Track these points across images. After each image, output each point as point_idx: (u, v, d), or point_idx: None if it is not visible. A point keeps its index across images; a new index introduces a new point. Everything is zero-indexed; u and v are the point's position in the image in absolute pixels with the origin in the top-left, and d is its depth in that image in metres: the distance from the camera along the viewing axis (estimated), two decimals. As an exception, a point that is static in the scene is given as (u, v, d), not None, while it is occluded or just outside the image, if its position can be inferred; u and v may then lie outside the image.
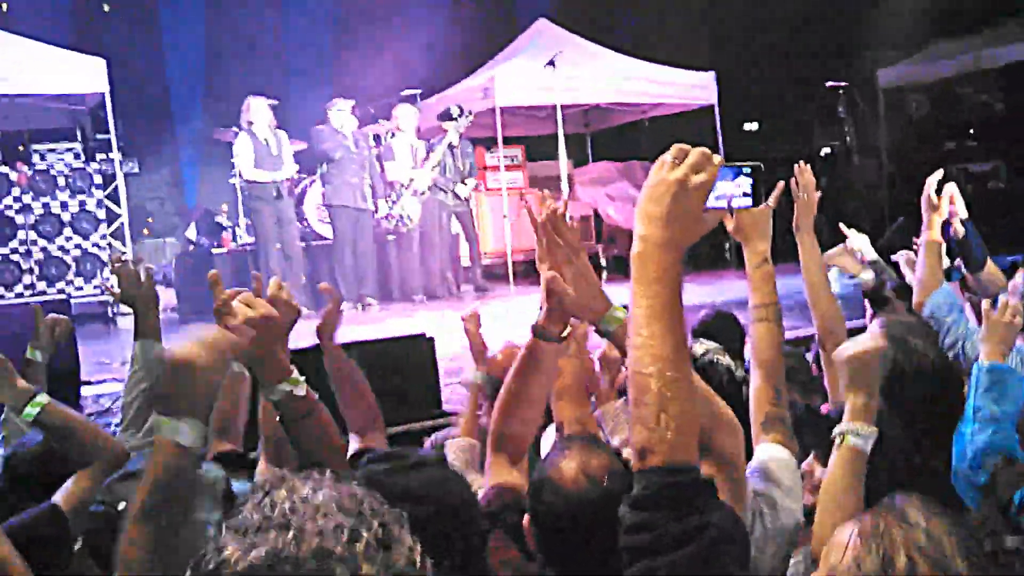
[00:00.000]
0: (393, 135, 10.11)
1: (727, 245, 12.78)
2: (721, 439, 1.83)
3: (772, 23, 13.94)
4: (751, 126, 15.30)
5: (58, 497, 2.37)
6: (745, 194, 1.59)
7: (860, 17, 13.08)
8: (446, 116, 9.94)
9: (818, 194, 3.15)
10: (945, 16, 11.62)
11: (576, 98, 11.10)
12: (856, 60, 12.79)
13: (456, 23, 14.19)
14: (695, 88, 11.92)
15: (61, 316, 3.38)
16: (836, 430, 2.06)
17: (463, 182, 10.05)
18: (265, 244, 9.19)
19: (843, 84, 9.39)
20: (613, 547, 1.39)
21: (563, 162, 9.19)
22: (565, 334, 2.10)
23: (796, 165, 3.13)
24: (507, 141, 11.09)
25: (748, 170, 1.59)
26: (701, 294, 7.34)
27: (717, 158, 1.48)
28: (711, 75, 11.95)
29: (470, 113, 9.97)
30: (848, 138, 9.25)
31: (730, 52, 13.88)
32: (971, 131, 12.47)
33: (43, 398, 2.52)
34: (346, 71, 13.27)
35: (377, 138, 10.78)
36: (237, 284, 8.43)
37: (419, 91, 11.22)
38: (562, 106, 10.34)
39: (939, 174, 3.45)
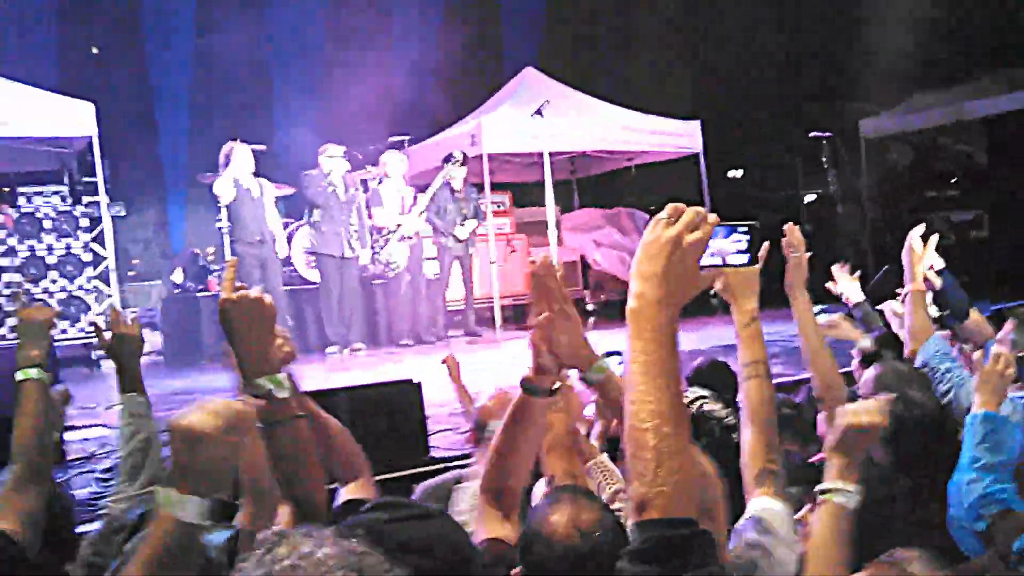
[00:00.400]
0: (381, 181, 10.14)
1: (712, 292, 12.85)
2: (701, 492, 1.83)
3: (755, 73, 14.17)
4: (735, 173, 15.47)
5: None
6: (741, 251, 1.60)
7: (842, 68, 13.30)
8: (448, 159, 9.96)
9: (808, 254, 3.17)
10: (926, 69, 11.82)
11: (563, 146, 11.18)
12: (839, 110, 12.98)
13: (443, 70, 14.35)
14: (680, 136, 12.05)
15: (62, 389, 3.29)
16: (819, 488, 2.08)
17: (462, 224, 10.05)
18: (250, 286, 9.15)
19: (826, 134, 9.51)
20: None
21: (550, 208, 9.22)
22: (555, 387, 2.10)
23: (785, 225, 3.16)
24: (494, 187, 11.14)
25: (744, 228, 1.60)
26: (687, 341, 7.33)
27: (713, 217, 1.51)
28: (696, 124, 12.10)
29: (465, 159, 10.01)
30: (832, 186, 9.35)
31: (714, 100, 14.08)
32: (953, 180, 12.63)
33: None
34: (333, 116, 13.35)
35: (364, 183, 10.83)
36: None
37: (407, 137, 11.30)
38: (549, 153, 10.43)
39: (922, 227, 3.50)
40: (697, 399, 3.17)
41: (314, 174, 9.50)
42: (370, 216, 9.83)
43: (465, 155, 10.06)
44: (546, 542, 1.79)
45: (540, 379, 2.07)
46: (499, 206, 12.20)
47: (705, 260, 1.51)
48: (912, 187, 12.88)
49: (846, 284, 4.57)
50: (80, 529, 2.92)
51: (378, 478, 4.02)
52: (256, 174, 9.44)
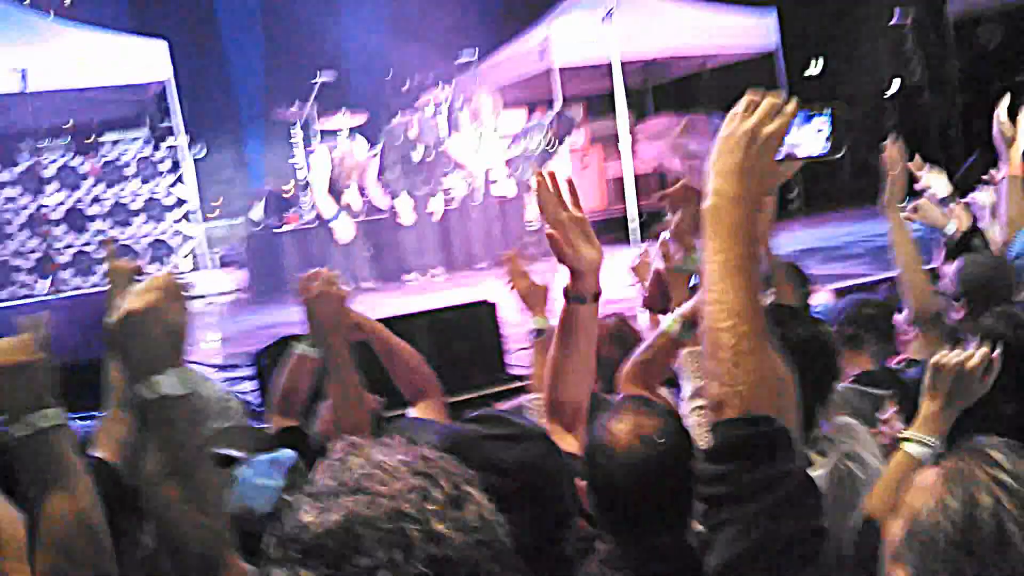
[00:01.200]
0: (462, 108, 10.06)
1: (793, 192, 12.54)
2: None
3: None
4: (813, 70, 14.89)
5: None
6: (824, 139, 1.51)
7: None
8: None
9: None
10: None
11: (631, 53, 10.87)
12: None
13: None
14: (754, 33, 11.64)
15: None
16: (901, 434, 2.10)
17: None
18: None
19: (908, 20, 9.04)
20: (667, 508, 1.37)
21: (622, 118, 9.02)
22: (597, 292, 2.09)
23: (886, 140, 3.05)
24: (565, 100, 10.98)
25: (825, 113, 1.51)
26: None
27: (790, 106, 1.45)
28: (772, 16, 11.65)
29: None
30: (918, 73, 8.93)
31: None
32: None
33: None
34: (399, 39, 13.23)
35: (437, 106, 10.76)
36: (303, 260, 8.50)
37: (474, 57, 11.14)
38: (621, 62, 10.16)
39: (1007, 100, 3.30)
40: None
41: (395, 129, 9.42)
42: (443, 141, 9.80)
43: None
44: (608, 452, 1.79)
45: (579, 285, 2.06)
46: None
47: (784, 151, 1.47)
48: (1004, 69, 12.23)
49: (931, 178, 4.39)
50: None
51: (460, 398, 4.13)
52: (327, 106, 9.51)
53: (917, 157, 4.42)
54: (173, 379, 1.50)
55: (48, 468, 1.66)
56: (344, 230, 9.36)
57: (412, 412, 3.01)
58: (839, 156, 1.55)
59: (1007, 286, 3.10)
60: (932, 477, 1.32)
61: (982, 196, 4.20)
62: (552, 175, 2.08)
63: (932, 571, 1.25)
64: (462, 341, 4.84)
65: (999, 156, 3.30)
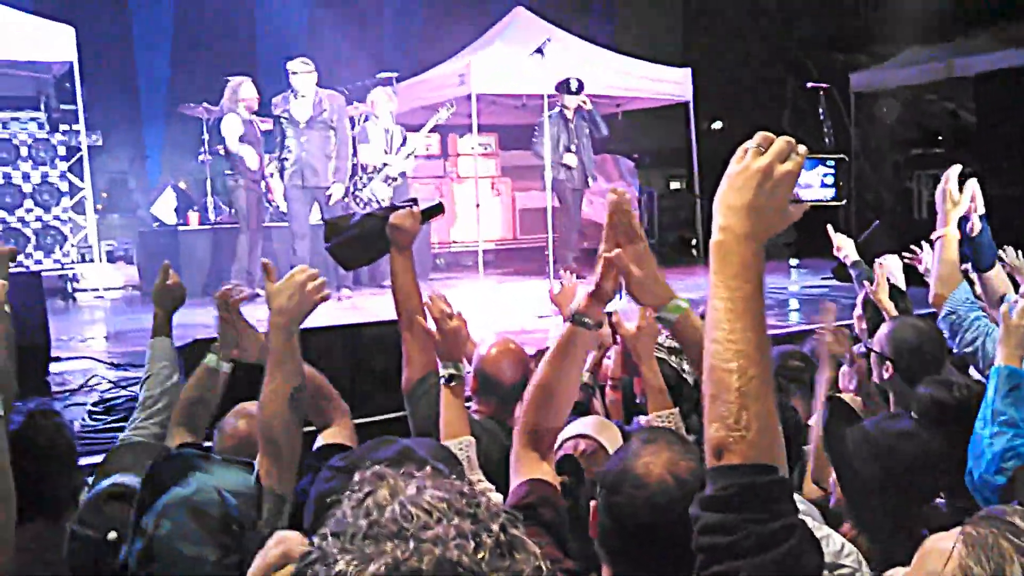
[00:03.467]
0: (367, 118, 9.95)
1: (693, 241, 12.84)
2: None
3: (747, 23, 14.01)
4: (717, 125, 15.36)
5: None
6: (826, 185, 1.52)
7: (835, 20, 13.18)
8: (565, 88, 9.69)
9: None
10: (918, 24, 11.72)
11: (552, 88, 11.00)
12: (830, 63, 12.88)
13: (432, 8, 14.06)
14: (671, 84, 11.93)
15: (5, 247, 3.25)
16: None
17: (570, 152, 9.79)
18: (246, 223, 8.94)
19: (824, 85, 9.42)
20: (686, 549, 1.32)
21: (547, 150, 9.04)
22: (602, 320, 2.06)
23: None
24: (480, 129, 11.00)
25: (832, 161, 1.52)
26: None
27: (803, 148, 1.42)
28: (687, 72, 11.97)
29: (581, 86, 9.77)
30: (827, 140, 9.30)
31: (702, 49, 13.92)
32: (939, 138, 12.60)
33: None
34: (320, 52, 13.05)
35: (352, 121, 10.63)
36: (212, 262, 8.24)
37: (395, 74, 11.08)
38: (536, 96, 10.23)
39: (957, 168, 3.43)
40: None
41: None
42: (356, 154, 9.64)
43: (581, 82, 9.74)
44: (638, 483, 1.72)
45: (590, 310, 2.01)
46: (485, 148, 12.08)
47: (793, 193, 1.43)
48: (899, 144, 12.86)
49: (843, 241, 4.53)
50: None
51: (375, 418, 4.00)
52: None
53: (828, 225, 4.57)
54: None
55: None
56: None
57: (320, 438, 2.88)
58: (843, 204, 1.57)
59: (937, 351, 3.21)
60: (950, 543, 1.29)
61: (891, 260, 4.35)
62: (623, 193, 2.04)
63: None
64: (380, 359, 4.69)
65: (936, 217, 3.43)
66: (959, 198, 3.35)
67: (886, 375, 3.20)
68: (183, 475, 1.86)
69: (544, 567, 0.96)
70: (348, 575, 0.89)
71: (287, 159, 8.65)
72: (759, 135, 1.43)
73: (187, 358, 3.61)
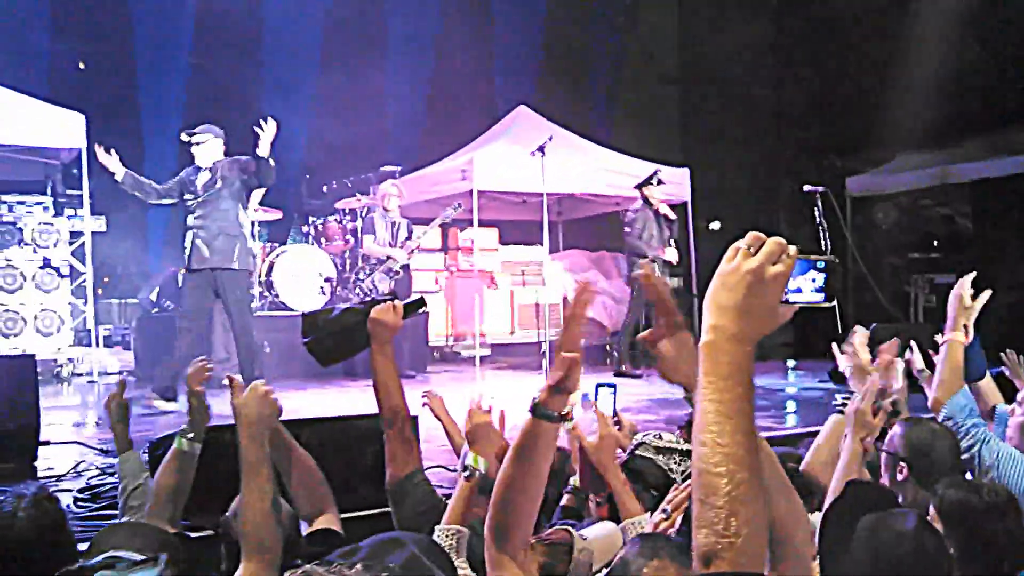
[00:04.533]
0: (371, 210, 10.07)
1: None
2: (795, 534, 1.67)
3: (743, 125, 14.28)
4: (715, 225, 15.52)
5: None
6: (818, 289, 1.52)
7: (831, 125, 13.42)
8: (648, 180, 9.79)
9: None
10: (915, 130, 11.93)
11: (553, 186, 11.15)
12: (826, 166, 13.08)
13: (436, 105, 14.34)
14: (671, 184, 12.07)
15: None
16: None
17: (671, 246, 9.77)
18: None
19: (820, 188, 9.53)
20: None
21: (545, 247, 9.15)
22: (566, 412, 2.01)
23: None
24: (481, 224, 11.13)
25: (822, 264, 1.52)
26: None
27: (793, 249, 1.42)
28: (685, 172, 12.14)
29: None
30: (823, 242, 9.39)
31: (699, 150, 14.15)
32: (935, 243, 12.72)
33: None
34: (323, 144, 13.28)
35: (353, 212, 10.77)
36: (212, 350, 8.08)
37: (399, 167, 11.26)
38: (537, 193, 10.38)
39: (971, 275, 3.45)
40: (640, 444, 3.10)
41: None
42: (361, 245, 9.73)
43: (658, 177, 9.82)
44: None
45: (552, 402, 1.97)
46: (485, 243, 12.19)
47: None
48: (895, 248, 12.97)
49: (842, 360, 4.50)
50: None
51: (362, 513, 3.94)
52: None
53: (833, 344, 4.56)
54: None
55: None
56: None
57: (310, 527, 2.87)
58: (831, 305, 1.57)
59: (952, 454, 3.17)
60: None
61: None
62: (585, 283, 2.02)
63: None
64: (372, 452, 4.64)
65: (947, 320, 3.43)
66: (972, 305, 3.36)
67: (899, 476, 3.13)
68: None
69: None
70: None
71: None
72: (750, 235, 1.42)
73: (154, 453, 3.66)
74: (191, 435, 3.03)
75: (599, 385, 3.48)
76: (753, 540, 1.31)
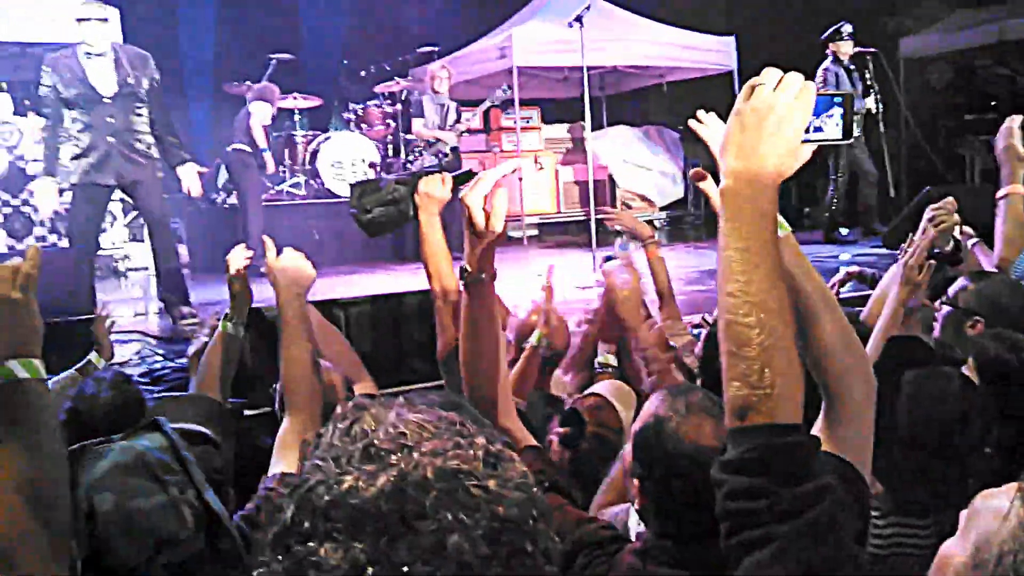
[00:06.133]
0: (410, 94, 9.97)
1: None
2: (853, 388, 1.60)
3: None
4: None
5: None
6: (836, 125, 1.46)
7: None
8: (837, 34, 9.38)
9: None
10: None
11: (594, 60, 10.86)
12: (879, 27, 12.60)
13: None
14: (714, 53, 11.76)
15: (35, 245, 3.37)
16: None
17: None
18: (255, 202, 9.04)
19: (872, 50, 9.21)
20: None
21: (588, 125, 9.01)
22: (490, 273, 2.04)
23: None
24: (522, 103, 10.96)
25: (839, 99, 1.46)
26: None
27: (811, 83, 1.35)
28: (731, 40, 11.80)
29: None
30: (876, 106, 9.12)
31: (747, 16, 13.69)
32: (992, 104, 12.29)
33: None
34: (360, 29, 13.09)
35: (392, 96, 10.67)
36: (239, 236, 8.23)
37: (436, 48, 11.07)
38: (578, 68, 10.16)
39: (1019, 118, 3.28)
40: None
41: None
42: (410, 128, 9.68)
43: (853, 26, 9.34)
44: (692, 447, 1.68)
45: (483, 262, 2.01)
46: (527, 122, 12.04)
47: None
48: (950, 110, 12.57)
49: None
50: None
51: (417, 386, 4.05)
52: (280, 88, 9.35)
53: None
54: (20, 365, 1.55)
55: (10, 422, 1.56)
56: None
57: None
58: (849, 142, 1.52)
59: (1021, 309, 3.07)
60: (1004, 500, 1.16)
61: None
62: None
63: None
64: (415, 328, 4.72)
65: (1000, 174, 3.28)
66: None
67: (971, 332, 3.02)
68: (99, 455, 1.83)
69: (530, 478, 0.98)
70: (358, 489, 0.91)
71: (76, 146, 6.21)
72: (766, 71, 1.35)
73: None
74: (234, 319, 3.12)
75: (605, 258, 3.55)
76: (788, 390, 1.27)
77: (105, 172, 6.14)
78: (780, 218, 1.70)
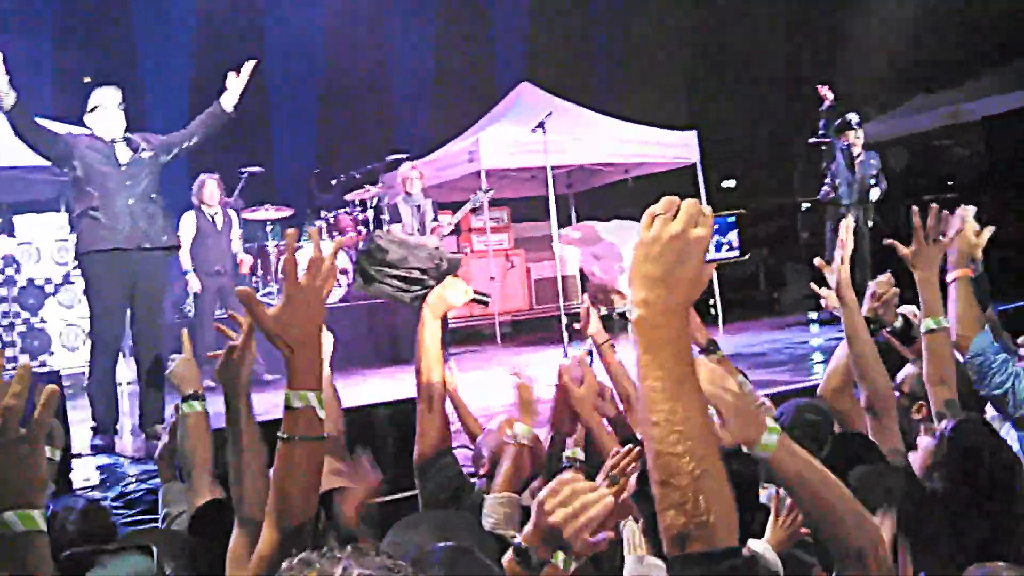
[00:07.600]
0: (380, 200, 10.08)
1: (711, 300, 12.80)
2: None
3: (751, 81, 14.15)
4: (729, 183, 15.42)
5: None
6: (732, 247, 1.50)
7: (839, 73, 13.27)
8: (846, 126, 9.47)
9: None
10: (924, 71, 11.78)
11: (561, 160, 11.09)
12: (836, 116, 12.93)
13: (438, 89, 14.30)
14: (677, 147, 12.01)
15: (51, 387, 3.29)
16: None
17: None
18: (203, 317, 8.83)
19: (826, 140, 9.46)
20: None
21: (554, 223, 9.14)
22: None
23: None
24: (492, 203, 11.12)
25: (733, 219, 1.51)
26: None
27: (708, 208, 1.37)
28: (693, 134, 12.06)
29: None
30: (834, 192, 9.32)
31: (708, 110, 14.05)
32: (950, 183, 12.58)
33: None
34: (329, 137, 13.31)
35: (363, 203, 10.80)
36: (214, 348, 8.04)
37: (405, 155, 11.26)
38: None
39: (972, 208, 3.38)
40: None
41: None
42: (389, 231, 9.71)
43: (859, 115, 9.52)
44: None
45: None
46: (497, 222, 12.20)
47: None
48: (909, 191, 12.84)
49: (827, 293, 4.41)
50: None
51: (387, 498, 4.00)
52: (252, 199, 9.40)
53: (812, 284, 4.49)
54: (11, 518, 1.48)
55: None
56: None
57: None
58: (746, 258, 1.55)
59: (968, 392, 3.14)
60: None
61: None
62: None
63: None
64: (395, 438, 4.69)
65: (947, 260, 3.35)
66: (976, 241, 3.30)
67: (916, 417, 3.14)
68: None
69: None
70: None
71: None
72: (665, 200, 1.36)
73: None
74: (191, 396, 2.85)
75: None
76: (723, 514, 1.29)
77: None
78: (770, 421, 1.66)
